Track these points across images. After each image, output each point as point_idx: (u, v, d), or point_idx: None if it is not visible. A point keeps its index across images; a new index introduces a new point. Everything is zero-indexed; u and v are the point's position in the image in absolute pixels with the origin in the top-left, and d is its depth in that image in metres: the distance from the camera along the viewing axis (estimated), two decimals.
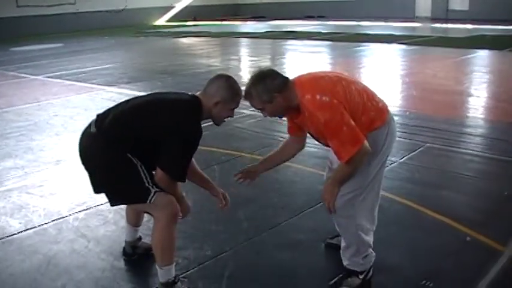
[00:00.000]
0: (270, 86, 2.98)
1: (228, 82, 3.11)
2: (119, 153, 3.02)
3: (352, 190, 3.09)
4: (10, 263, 3.74)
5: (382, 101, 3.16)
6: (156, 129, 2.99)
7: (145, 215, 3.61)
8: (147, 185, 3.01)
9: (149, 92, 3.53)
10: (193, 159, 3.25)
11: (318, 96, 2.91)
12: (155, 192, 3.00)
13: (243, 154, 5.84)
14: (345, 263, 3.31)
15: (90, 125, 3.15)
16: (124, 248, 3.76)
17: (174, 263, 3.21)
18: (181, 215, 3.28)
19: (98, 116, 3.17)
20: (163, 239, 3.10)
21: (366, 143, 2.91)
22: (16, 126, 7.67)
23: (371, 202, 3.23)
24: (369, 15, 26.00)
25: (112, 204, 3.24)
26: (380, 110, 3.10)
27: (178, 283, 3.21)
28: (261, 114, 3.19)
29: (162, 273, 3.17)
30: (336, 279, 3.32)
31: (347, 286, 3.27)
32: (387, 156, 3.25)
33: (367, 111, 3.03)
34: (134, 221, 3.63)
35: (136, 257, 3.70)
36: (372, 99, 3.10)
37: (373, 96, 3.13)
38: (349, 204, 3.11)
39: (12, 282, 3.50)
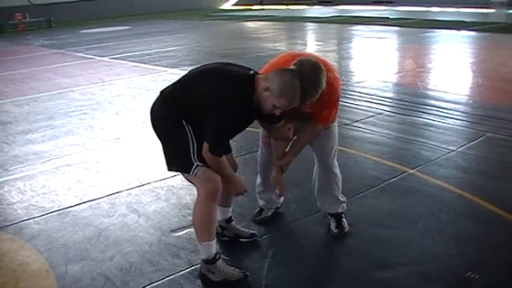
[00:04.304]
0: None
1: (288, 78, 2.92)
2: (174, 117, 3.07)
3: (333, 146, 3.65)
4: (63, 234, 3.91)
5: None
6: (204, 97, 2.99)
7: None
8: (192, 156, 3.04)
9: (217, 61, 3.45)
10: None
11: (336, 74, 3.36)
12: (197, 165, 3.04)
13: None
14: (339, 210, 3.79)
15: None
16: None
17: (215, 240, 3.21)
18: (225, 193, 3.31)
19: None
20: (201, 214, 3.12)
21: None
22: (80, 105, 7.96)
23: None
24: (440, 1, 25.13)
25: (167, 169, 3.24)
26: None
27: (220, 261, 3.21)
28: None
29: (202, 249, 3.19)
30: (333, 225, 3.74)
31: (345, 227, 3.75)
32: None
33: None
34: (221, 201, 3.54)
35: (228, 239, 3.69)
36: None
37: None
38: (335, 157, 3.71)
39: (64, 251, 3.66)
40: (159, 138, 3.21)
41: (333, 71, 3.31)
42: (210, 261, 3.19)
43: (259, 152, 3.86)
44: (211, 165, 3.05)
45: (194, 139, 3.05)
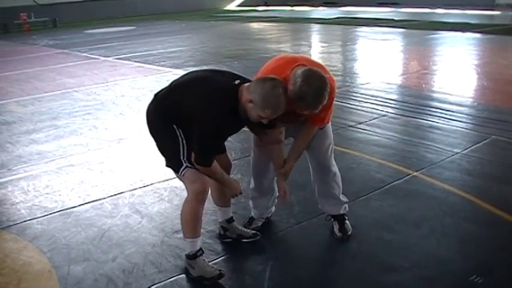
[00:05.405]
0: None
1: (269, 89, 2.89)
2: (165, 121, 3.16)
3: (329, 145, 3.61)
4: (66, 234, 3.90)
5: None
6: (190, 108, 3.04)
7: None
8: (181, 158, 3.11)
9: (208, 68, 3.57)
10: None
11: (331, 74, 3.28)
12: (186, 166, 3.11)
13: None
14: (341, 211, 3.76)
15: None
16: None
17: (199, 237, 3.28)
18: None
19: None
20: (187, 213, 3.21)
21: None
22: (84, 105, 7.97)
23: None
24: (445, 3, 25.08)
25: (165, 165, 3.29)
26: None
27: (201, 257, 3.27)
28: None
29: (187, 244, 3.28)
30: (336, 228, 3.72)
31: (348, 230, 3.71)
32: None
33: None
34: (219, 201, 3.65)
35: (231, 241, 3.71)
36: None
37: None
38: (332, 155, 3.66)
39: (67, 252, 3.66)
40: (153, 138, 3.31)
41: (329, 72, 3.28)
42: (191, 257, 3.27)
43: (251, 155, 3.77)
44: (202, 170, 3.11)
45: (185, 142, 3.12)
